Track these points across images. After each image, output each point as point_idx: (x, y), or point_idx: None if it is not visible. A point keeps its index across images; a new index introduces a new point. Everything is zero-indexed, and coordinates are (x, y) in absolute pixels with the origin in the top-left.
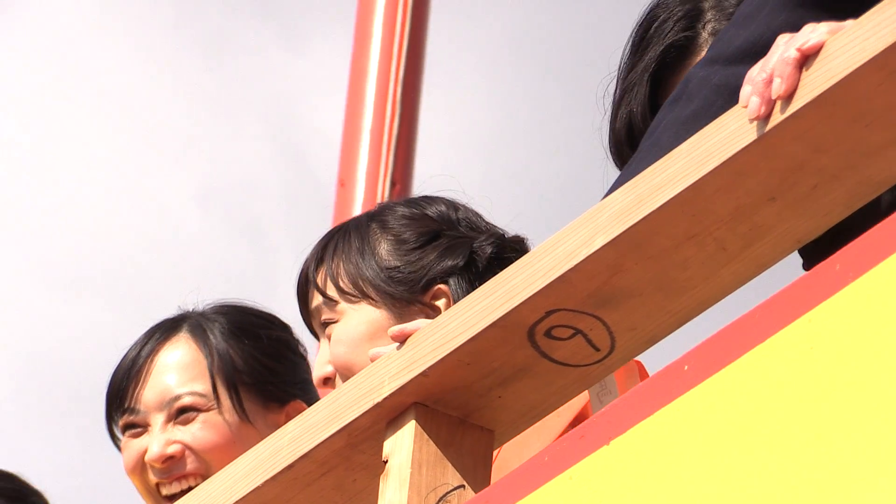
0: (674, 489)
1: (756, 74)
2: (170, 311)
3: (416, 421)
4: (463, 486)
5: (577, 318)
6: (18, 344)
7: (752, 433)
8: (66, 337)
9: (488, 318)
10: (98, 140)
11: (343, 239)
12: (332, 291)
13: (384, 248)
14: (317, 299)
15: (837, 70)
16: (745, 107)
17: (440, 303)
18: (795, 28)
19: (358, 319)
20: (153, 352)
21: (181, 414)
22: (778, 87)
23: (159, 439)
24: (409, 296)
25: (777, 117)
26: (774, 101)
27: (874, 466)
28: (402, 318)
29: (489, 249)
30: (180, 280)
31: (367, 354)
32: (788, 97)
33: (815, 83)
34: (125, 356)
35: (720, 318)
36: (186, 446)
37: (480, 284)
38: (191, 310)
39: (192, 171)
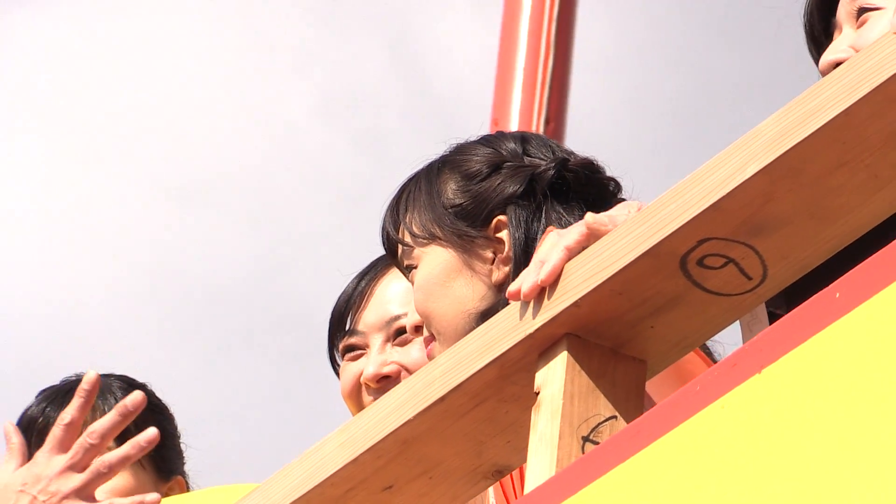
0: (828, 416)
1: None
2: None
3: (568, 352)
4: (615, 417)
5: (729, 247)
6: (144, 256)
7: None
8: (192, 250)
9: (640, 248)
10: (216, 52)
11: (415, 186)
12: (407, 238)
13: (451, 188)
14: (400, 248)
15: None
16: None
17: (503, 234)
18: None
19: (431, 262)
20: (375, 278)
21: (399, 335)
22: None
23: (376, 360)
24: (471, 230)
25: None
26: None
27: None
28: (470, 254)
29: (549, 174)
30: (302, 194)
31: (444, 299)
32: None
33: None
34: (349, 283)
35: None
36: (403, 367)
37: (546, 211)
38: None
39: (312, 85)
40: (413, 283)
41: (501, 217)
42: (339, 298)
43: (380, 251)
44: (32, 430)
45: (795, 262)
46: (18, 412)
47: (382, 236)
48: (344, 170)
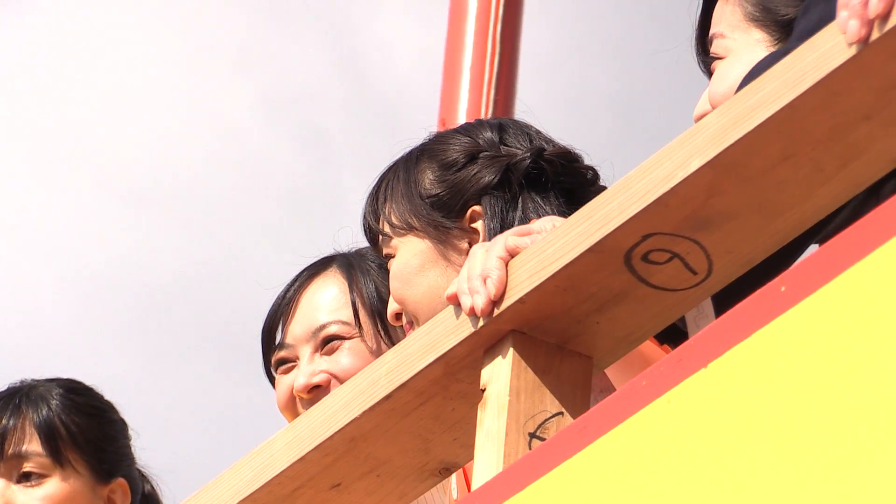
0: (772, 411)
1: None
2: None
3: (514, 348)
4: (562, 413)
5: (674, 242)
6: (82, 258)
7: (851, 353)
8: (129, 251)
9: (585, 243)
10: (157, 52)
11: (394, 175)
12: (385, 228)
13: (428, 178)
14: (379, 237)
15: None
16: (844, 32)
17: (478, 224)
18: None
19: (407, 252)
20: (300, 289)
21: (326, 344)
22: (876, 6)
23: (305, 370)
24: (447, 221)
25: (873, 35)
26: (873, 21)
27: None
28: (446, 245)
29: (525, 163)
30: (246, 194)
31: (419, 287)
32: (886, 15)
33: None
34: (277, 296)
35: None
36: (332, 375)
37: (523, 201)
38: (342, 251)
39: (253, 83)
40: (390, 271)
41: (476, 207)
42: (268, 313)
43: (323, 250)
44: None
45: (741, 256)
46: None
47: (364, 226)
48: (286, 169)
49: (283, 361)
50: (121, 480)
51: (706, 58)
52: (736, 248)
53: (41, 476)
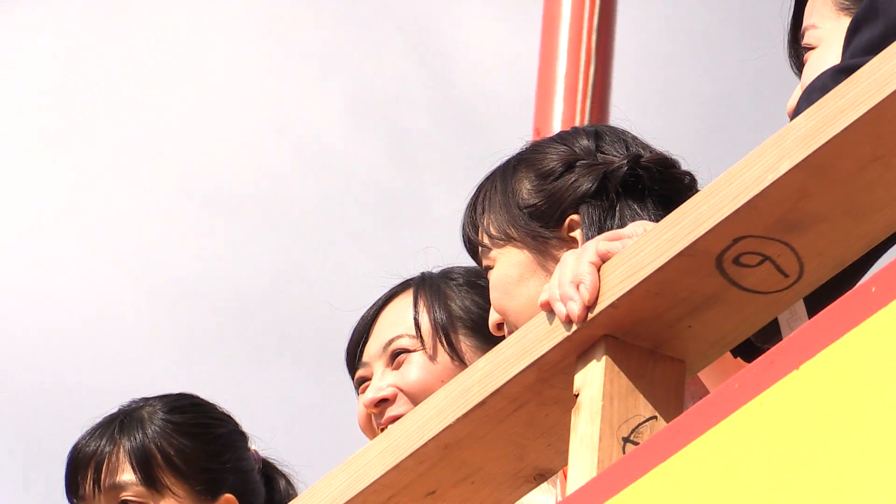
0: (867, 412)
1: None
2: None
3: (607, 353)
4: (655, 418)
5: (764, 245)
6: (168, 266)
7: None
8: (219, 257)
9: (676, 248)
10: (243, 58)
11: (491, 186)
12: (485, 239)
13: (525, 188)
14: (480, 249)
15: None
16: None
17: (576, 234)
18: None
19: (506, 263)
20: (380, 309)
21: (395, 358)
22: None
23: (374, 386)
24: (545, 231)
25: None
26: None
27: None
28: (545, 255)
29: (622, 171)
30: (331, 200)
31: (520, 297)
32: None
33: None
34: (357, 320)
35: None
36: (398, 388)
37: (621, 209)
38: (428, 271)
39: (338, 89)
40: (490, 282)
41: (574, 216)
42: (350, 336)
43: (408, 255)
44: (80, 465)
45: (831, 258)
46: (44, 429)
47: (463, 237)
48: (373, 175)
49: (361, 381)
50: (227, 496)
51: (798, 54)
52: (827, 250)
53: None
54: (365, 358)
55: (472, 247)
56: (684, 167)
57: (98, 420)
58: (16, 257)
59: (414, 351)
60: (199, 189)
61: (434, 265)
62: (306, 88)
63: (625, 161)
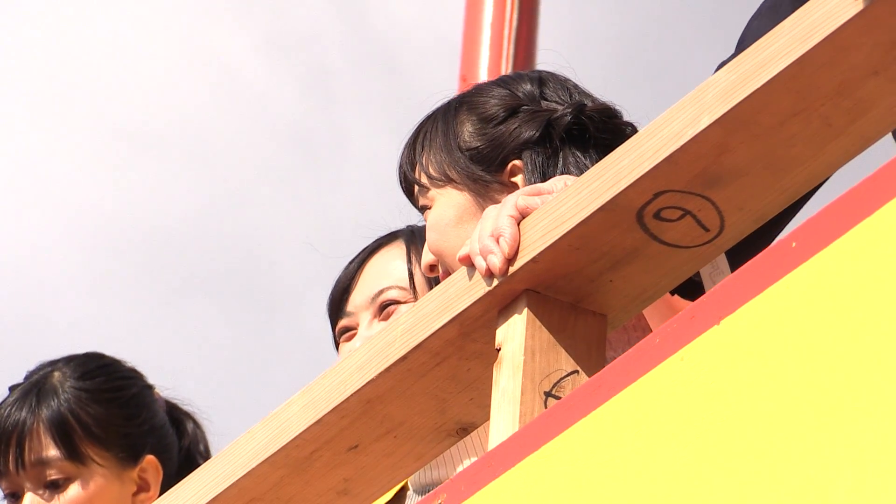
0: (786, 366)
1: None
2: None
3: (528, 308)
4: (577, 372)
5: (685, 199)
6: (85, 200)
7: (862, 308)
8: (132, 193)
9: (597, 202)
10: None
11: (432, 126)
12: (423, 179)
13: (467, 130)
14: (416, 188)
15: None
16: None
17: (517, 179)
18: None
19: (445, 204)
20: (366, 259)
21: (384, 309)
22: None
23: (362, 336)
24: (487, 175)
25: None
26: None
27: None
28: (484, 198)
29: (566, 119)
30: (246, 135)
31: (456, 240)
32: None
33: None
34: (342, 270)
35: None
36: None
37: (564, 157)
38: (410, 226)
39: (253, 24)
40: (427, 222)
41: (517, 162)
42: (334, 284)
43: (327, 190)
44: (11, 436)
45: (752, 212)
46: None
47: (399, 175)
48: (288, 110)
49: (345, 330)
50: (149, 458)
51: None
52: (747, 205)
53: (67, 481)
54: (350, 308)
55: (409, 185)
56: (626, 118)
57: (10, 392)
58: None
59: (404, 302)
60: (113, 125)
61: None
62: (222, 24)
63: (569, 109)
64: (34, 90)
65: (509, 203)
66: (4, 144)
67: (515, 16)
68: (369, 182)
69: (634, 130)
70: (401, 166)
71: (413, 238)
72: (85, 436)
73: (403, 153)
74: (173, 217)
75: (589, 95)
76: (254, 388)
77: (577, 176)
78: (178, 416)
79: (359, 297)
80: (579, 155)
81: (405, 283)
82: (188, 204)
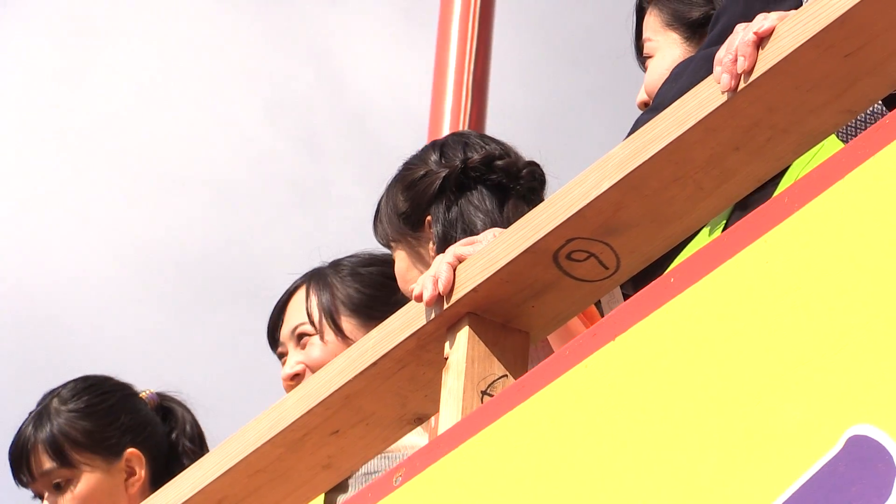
0: (666, 375)
1: (724, 56)
2: None
3: (470, 326)
4: (506, 376)
5: (590, 244)
6: (130, 231)
7: (729, 329)
8: (170, 227)
9: (522, 246)
10: (177, 68)
11: (385, 200)
12: (387, 243)
13: (400, 199)
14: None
15: (785, 48)
16: (719, 83)
17: (433, 230)
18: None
19: (399, 259)
20: (289, 298)
21: (300, 340)
22: (742, 64)
23: (288, 363)
24: (413, 232)
25: (740, 86)
26: (740, 75)
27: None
28: (417, 251)
29: (454, 175)
30: (254, 186)
31: (407, 283)
32: (750, 71)
33: (767, 58)
34: (272, 309)
35: None
36: (306, 364)
37: (462, 205)
38: (316, 267)
39: (258, 96)
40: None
41: (429, 217)
42: (268, 322)
43: (314, 232)
44: (14, 459)
45: (642, 255)
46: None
47: (377, 240)
48: (285, 163)
49: (281, 355)
50: (132, 451)
51: (643, 60)
52: (638, 249)
53: (68, 482)
54: (281, 338)
55: (386, 246)
56: (521, 157)
57: (28, 417)
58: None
59: (312, 335)
60: (158, 174)
61: (333, 255)
62: (232, 96)
63: (457, 166)
64: (104, 142)
65: (449, 252)
66: (74, 187)
67: (471, 93)
68: (347, 221)
69: (520, 166)
70: (376, 233)
71: (312, 278)
72: (73, 447)
73: (374, 226)
74: (202, 245)
75: (482, 145)
76: (259, 380)
77: (482, 212)
78: (167, 405)
79: (285, 331)
80: (474, 199)
81: (315, 319)
82: (215, 235)
